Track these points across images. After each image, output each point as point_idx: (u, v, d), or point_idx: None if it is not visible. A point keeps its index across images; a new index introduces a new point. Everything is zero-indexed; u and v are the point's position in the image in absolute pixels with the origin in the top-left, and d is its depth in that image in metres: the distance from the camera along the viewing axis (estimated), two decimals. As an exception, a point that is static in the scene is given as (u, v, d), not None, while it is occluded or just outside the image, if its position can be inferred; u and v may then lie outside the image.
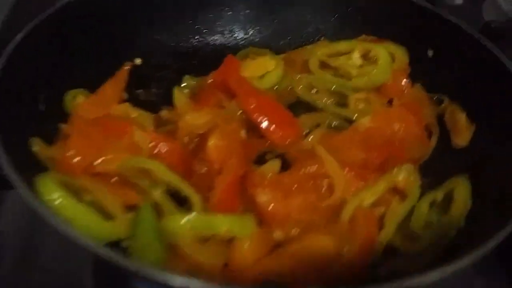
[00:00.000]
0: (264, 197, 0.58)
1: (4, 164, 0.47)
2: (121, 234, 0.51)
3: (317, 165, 0.61)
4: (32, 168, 0.53)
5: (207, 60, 0.81)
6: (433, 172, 0.66)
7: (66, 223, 0.44)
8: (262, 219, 0.57)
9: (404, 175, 0.61)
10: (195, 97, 0.72)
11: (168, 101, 0.71)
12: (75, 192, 0.53)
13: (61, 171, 0.54)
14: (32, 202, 0.44)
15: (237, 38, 0.90)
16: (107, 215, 0.52)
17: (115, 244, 0.52)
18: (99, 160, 0.55)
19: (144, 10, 0.81)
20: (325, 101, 0.78)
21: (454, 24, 0.78)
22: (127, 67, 0.75)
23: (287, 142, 0.68)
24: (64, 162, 0.54)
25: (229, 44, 0.88)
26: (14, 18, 0.85)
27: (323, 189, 0.60)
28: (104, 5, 0.75)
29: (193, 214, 0.50)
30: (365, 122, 0.71)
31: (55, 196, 0.48)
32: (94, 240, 0.45)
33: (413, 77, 0.80)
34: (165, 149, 0.60)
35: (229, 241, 0.52)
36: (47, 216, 0.44)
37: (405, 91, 0.79)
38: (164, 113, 0.68)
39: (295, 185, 0.60)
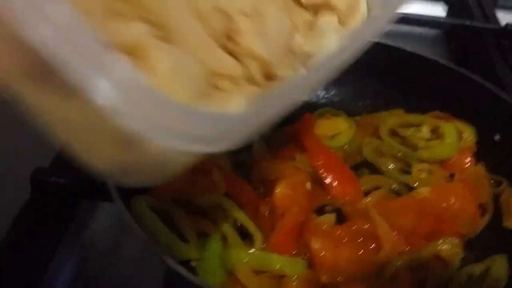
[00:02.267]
0: (317, 244, 0.65)
1: (110, 185, 0.59)
2: (192, 255, 0.61)
3: (368, 225, 0.68)
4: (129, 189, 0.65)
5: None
6: (479, 248, 0.71)
7: (151, 239, 0.55)
8: (312, 263, 0.65)
9: (449, 247, 0.66)
10: (270, 143, 0.82)
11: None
12: (160, 212, 0.64)
13: (152, 194, 0.65)
14: (127, 219, 0.55)
15: (319, 96, 0.99)
16: (182, 237, 0.63)
17: (185, 262, 0.62)
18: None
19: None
20: (389, 166, 0.85)
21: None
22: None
23: (346, 198, 0.76)
24: (156, 188, 0.66)
25: (310, 101, 0.98)
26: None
27: (371, 246, 0.67)
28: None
29: (253, 250, 0.59)
30: (423, 192, 0.77)
31: (145, 216, 0.60)
32: (171, 256, 0.56)
33: (477, 156, 0.85)
34: (238, 189, 0.70)
35: (280, 277, 0.61)
36: (138, 233, 0.55)
37: (468, 169, 0.84)
38: (242, 156, 0.78)
39: (346, 239, 0.67)
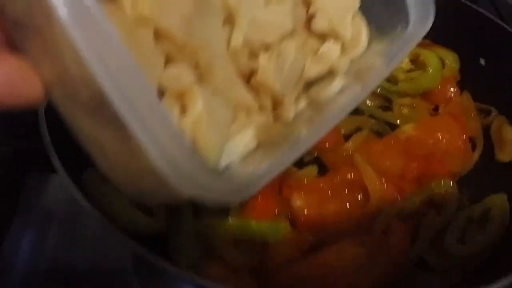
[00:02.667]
0: (299, 202, 0.59)
1: (52, 157, 0.50)
2: (160, 229, 0.54)
3: (353, 173, 0.61)
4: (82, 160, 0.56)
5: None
6: (473, 186, 0.66)
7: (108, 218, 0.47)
8: (296, 222, 0.58)
9: (442, 190, 0.60)
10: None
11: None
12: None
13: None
14: (78, 196, 0.47)
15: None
16: (147, 210, 0.55)
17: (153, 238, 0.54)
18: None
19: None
20: (368, 103, 0.77)
21: (510, 34, 0.76)
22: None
23: (325, 145, 0.69)
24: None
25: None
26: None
27: (358, 198, 0.61)
28: None
29: (230, 219, 0.52)
30: (407, 129, 0.71)
31: (101, 190, 0.51)
32: (136, 233, 0.48)
33: (462, 85, 0.78)
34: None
35: (263, 243, 0.54)
36: (91, 211, 0.47)
37: (452, 99, 0.78)
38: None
39: (331, 191, 0.61)
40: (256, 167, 0.36)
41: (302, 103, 0.44)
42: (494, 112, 0.74)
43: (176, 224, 0.53)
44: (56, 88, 0.29)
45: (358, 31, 0.47)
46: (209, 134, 0.33)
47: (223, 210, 0.55)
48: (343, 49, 0.47)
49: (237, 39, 0.38)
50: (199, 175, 0.28)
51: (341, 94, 0.44)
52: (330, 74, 0.45)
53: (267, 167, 0.35)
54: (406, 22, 0.48)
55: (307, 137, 0.39)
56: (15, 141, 0.69)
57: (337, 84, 0.45)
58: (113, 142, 0.29)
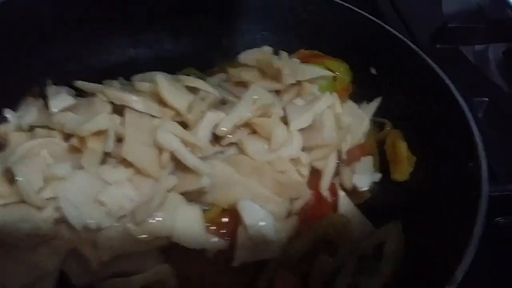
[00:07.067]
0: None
1: None
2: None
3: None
4: None
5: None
6: (369, 213, 0.61)
7: None
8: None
9: (335, 228, 0.55)
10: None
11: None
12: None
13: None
14: None
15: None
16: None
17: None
18: None
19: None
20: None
21: (400, 41, 0.70)
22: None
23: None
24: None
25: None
26: None
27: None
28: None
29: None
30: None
31: None
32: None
33: (354, 97, 0.73)
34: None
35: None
36: None
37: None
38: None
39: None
40: None
41: None
42: (388, 126, 0.69)
43: None
44: None
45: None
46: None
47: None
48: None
49: None
50: None
51: None
52: None
53: None
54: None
55: None
56: None
57: None
58: None
